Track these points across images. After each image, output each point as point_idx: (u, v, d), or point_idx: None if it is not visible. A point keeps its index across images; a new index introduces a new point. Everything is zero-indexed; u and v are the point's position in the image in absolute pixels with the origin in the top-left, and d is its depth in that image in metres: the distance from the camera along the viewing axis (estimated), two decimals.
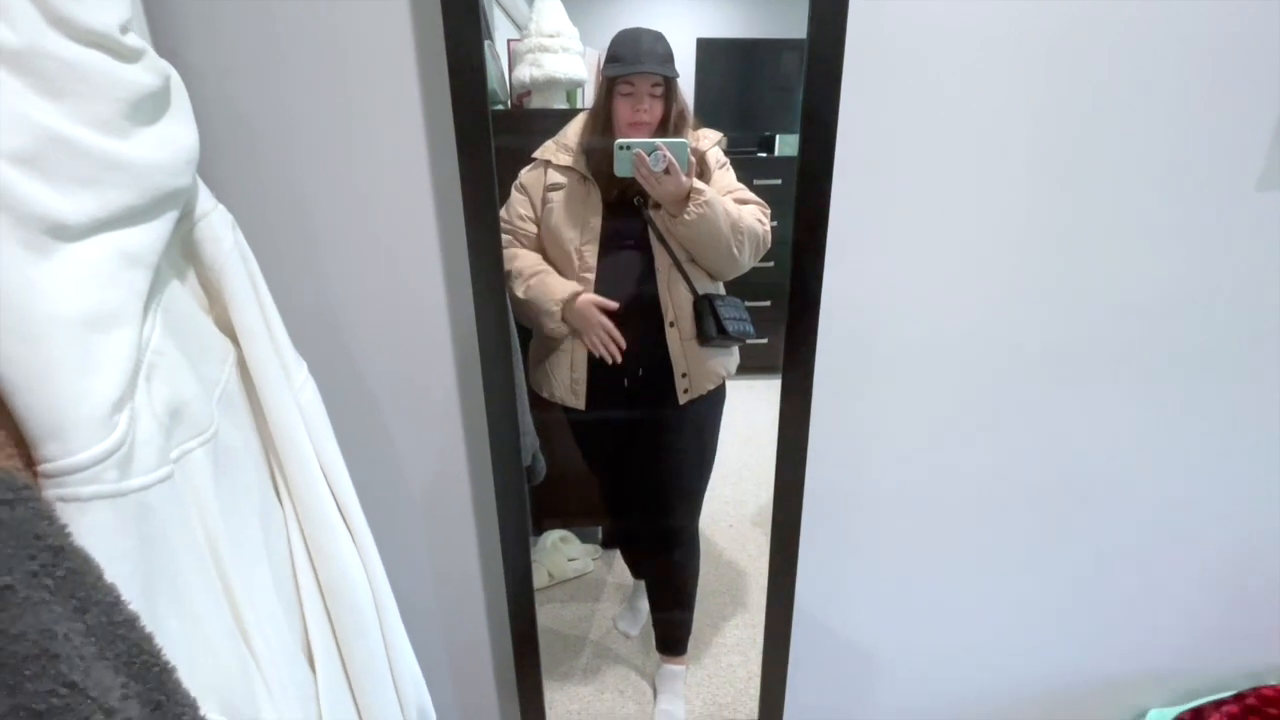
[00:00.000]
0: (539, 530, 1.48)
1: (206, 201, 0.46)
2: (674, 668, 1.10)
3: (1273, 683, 0.96)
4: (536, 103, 0.98)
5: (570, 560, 1.38)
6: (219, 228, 0.46)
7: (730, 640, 1.15)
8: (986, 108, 0.68)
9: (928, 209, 0.72)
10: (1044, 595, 0.91)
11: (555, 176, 0.85)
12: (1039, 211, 0.72)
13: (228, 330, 0.48)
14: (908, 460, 0.83)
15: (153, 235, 0.39)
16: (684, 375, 0.91)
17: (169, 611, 0.37)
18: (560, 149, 0.85)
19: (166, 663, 0.33)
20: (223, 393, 0.46)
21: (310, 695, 0.52)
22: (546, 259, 0.88)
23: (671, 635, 1.10)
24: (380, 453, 0.79)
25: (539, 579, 1.42)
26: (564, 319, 0.87)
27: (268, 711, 0.44)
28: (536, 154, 0.86)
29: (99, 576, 0.30)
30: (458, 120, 0.63)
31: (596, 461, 1.07)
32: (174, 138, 0.41)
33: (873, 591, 0.91)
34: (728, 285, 0.89)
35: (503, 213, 0.88)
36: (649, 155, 0.76)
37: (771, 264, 0.85)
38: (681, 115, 0.81)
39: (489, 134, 0.65)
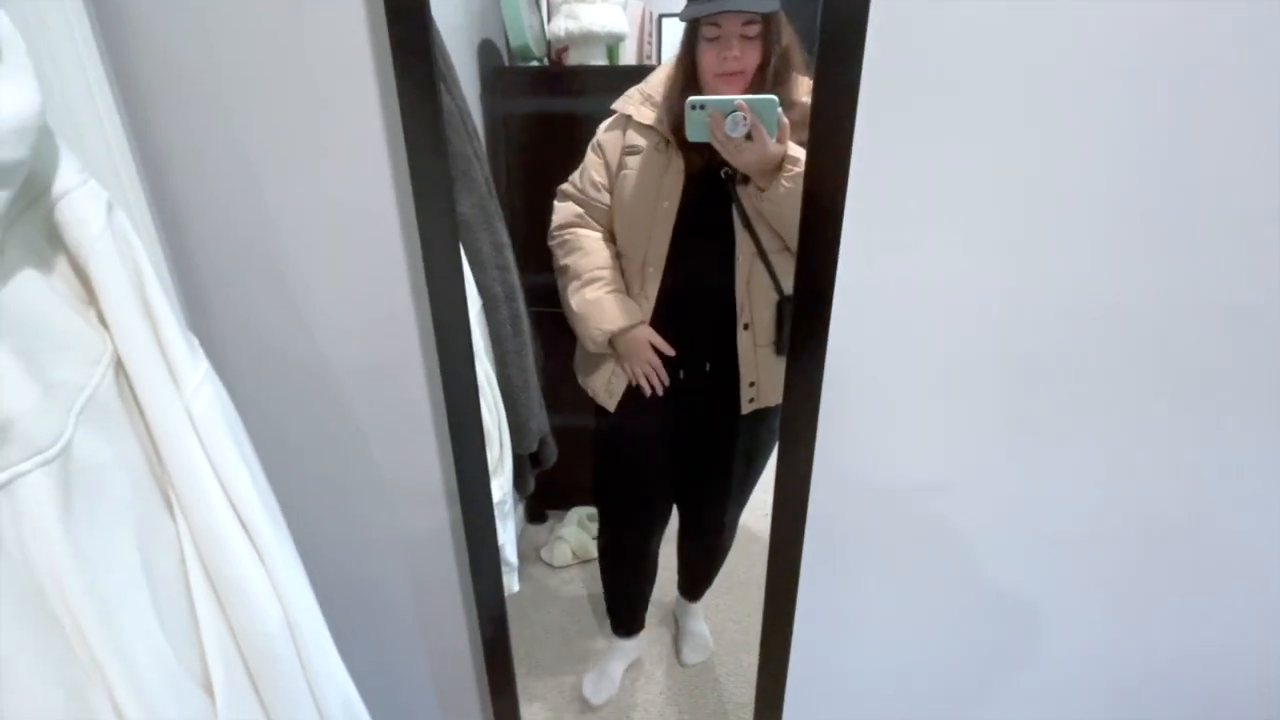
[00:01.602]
0: (567, 506, 1.45)
1: (69, 178, 0.40)
2: (694, 605, 1.12)
3: None
4: (574, 59, 0.87)
5: (594, 538, 1.33)
6: (84, 208, 0.40)
7: (754, 640, 1.10)
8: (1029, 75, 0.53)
9: (955, 198, 0.58)
10: (1071, 640, 0.79)
11: (634, 137, 0.73)
12: (1088, 208, 0.58)
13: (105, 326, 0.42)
14: (919, 490, 0.72)
15: None
16: (752, 384, 0.79)
17: None
18: (644, 101, 0.72)
19: None
20: (89, 400, 0.40)
21: None
22: (614, 242, 0.78)
23: (696, 590, 1.11)
24: (349, 448, 0.74)
25: (561, 557, 1.40)
26: (611, 344, 0.77)
27: None
28: (617, 104, 0.74)
29: None
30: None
31: (629, 464, 0.99)
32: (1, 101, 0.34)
33: (878, 626, 0.81)
34: None
35: (574, 179, 0.78)
36: (726, 117, 0.61)
37: None
38: (785, 60, 0.64)
39: (435, 87, 0.55)
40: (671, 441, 0.94)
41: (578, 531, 1.44)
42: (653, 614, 1.17)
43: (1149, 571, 0.74)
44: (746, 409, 0.81)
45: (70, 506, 0.38)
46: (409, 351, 0.68)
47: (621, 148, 0.74)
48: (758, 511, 1.07)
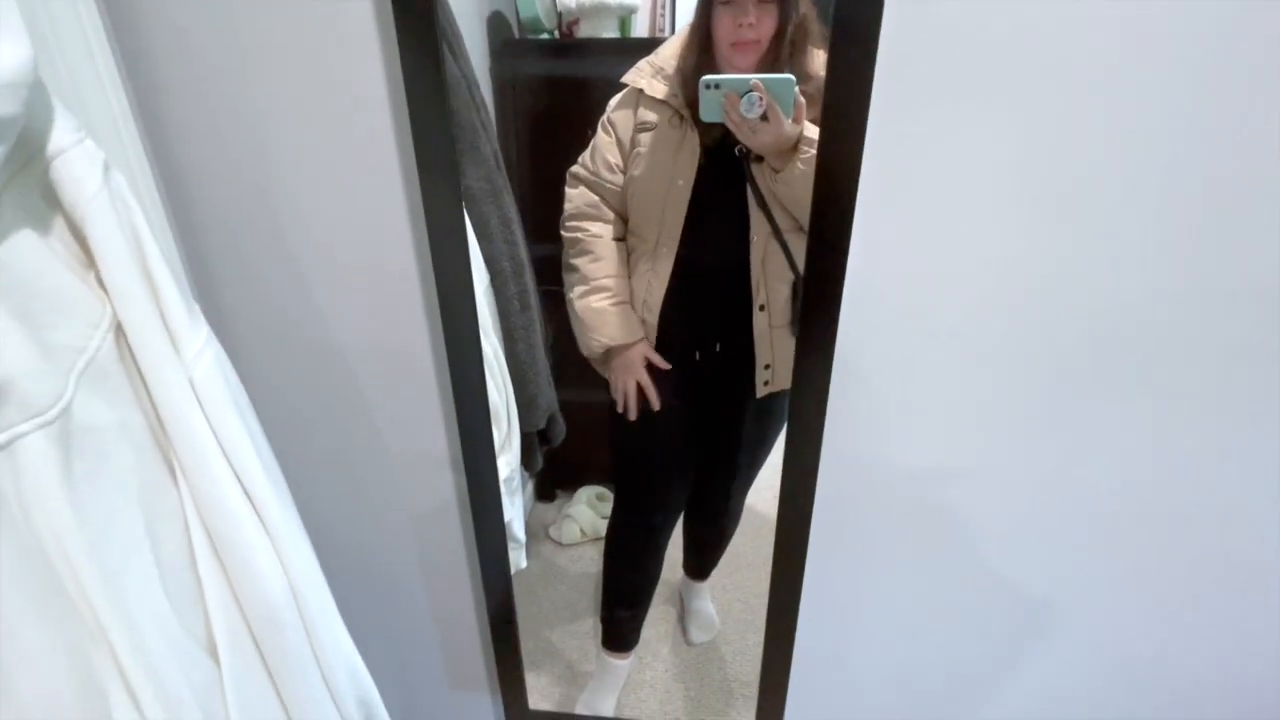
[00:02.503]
0: (576, 485, 1.45)
1: (64, 137, 0.39)
2: (701, 584, 1.11)
3: None
4: (585, 31, 0.85)
5: (604, 517, 1.33)
6: (79, 167, 0.39)
7: (760, 620, 1.10)
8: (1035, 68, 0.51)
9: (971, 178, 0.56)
10: (1084, 629, 0.78)
11: (647, 114, 0.70)
12: (1107, 190, 0.55)
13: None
14: (931, 473, 0.70)
15: None
16: (767, 367, 0.77)
17: None
18: (655, 74, 0.70)
19: None
20: (90, 364, 0.40)
21: (213, 691, 0.47)
22: (626, 222, 0.76)
23: (703, 570, 1.10)
24: (356, 422, 0.74)
25: (570, 535, 1.40)
26: (607, 360, 0.77)
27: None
28: (627, 78, 0.71)
29: None
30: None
31: (651, 440, 0.98)
32: None
33: (879, 616, 0.80)
34: None
35: (585, 160, 0.76)
36: (742, 97, 0.59)
37: None
38: (802, 30, 0.61)
39: (439, 65, 0.54)
40: (685, 423, 0.93)
41: (587, 510, 1.44)
42: (659, 594, 1.17)
43: (1162, 559, 0.72)
44: (761, 392, 0.79)
45: (71, 469, 0.38)
46: (415, 325, 0.68)
47: (634, 125, 0.72)
48: (765, 493, 1.06)
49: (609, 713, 1.07)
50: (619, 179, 0.74)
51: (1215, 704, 0.80)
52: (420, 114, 0.56)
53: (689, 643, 1.15)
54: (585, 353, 0.79)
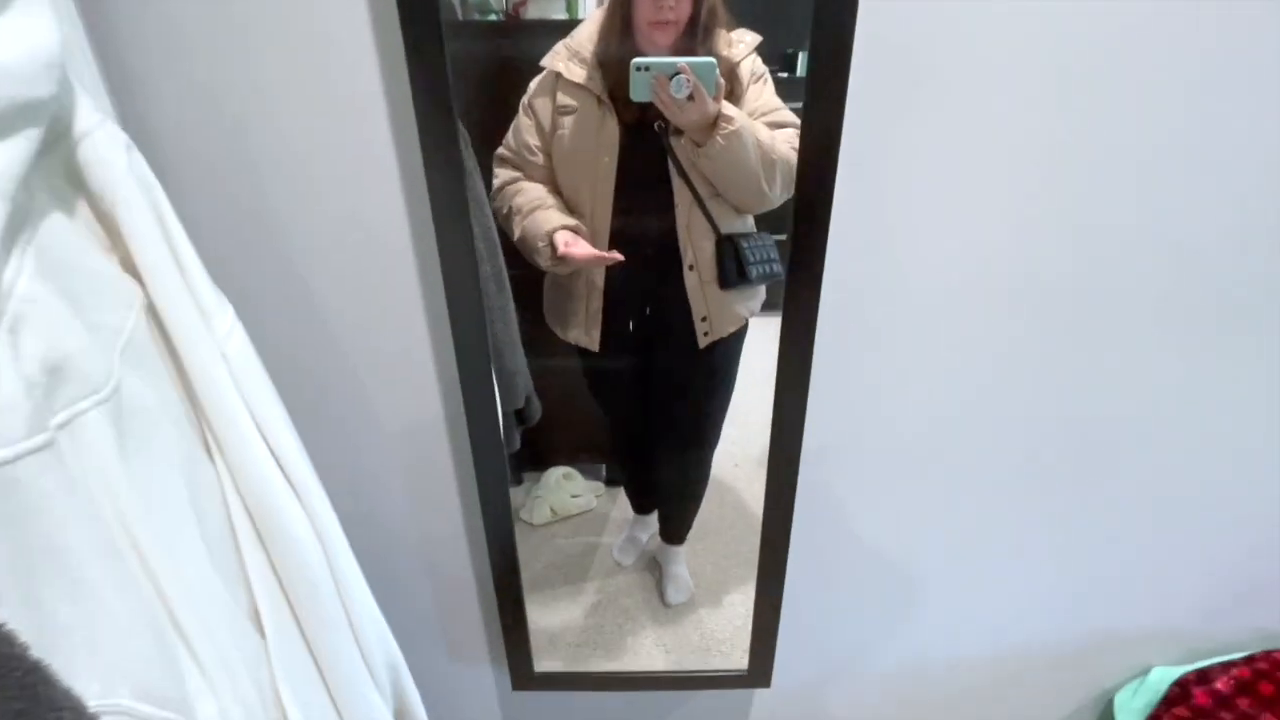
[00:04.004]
0: (543, 467, 1.47)
1: (88, 118, 0.39)
2: (677, 548, 1.16)
3: None
4: (533, 12, 0.87)
5: (574, 497, 1.36)
6: (106, 149, 0.39)
7: (731, 578, 1.16)
8: (1017, 30, 0.58)
9: (951, 133, 0.63)
10: (1047, 544, 0.87)
11: (565, 98, 0.74)
12: (1080, 135, 0.63)
13: (134, 273, 0.42)
14: (915, 402, 0.78)
15: (6, 159, 0.32)
16: (704, 319, 0.84)
17: (57, 598, 0.32)
18: (572, 58, 0.73)
19: (35, 662, 0.28)
20: (128, 343, 0.40)
21: (260, 661, 0.49)
22: (557, 193, 0.79)
23: (677, 534, 1.15)
24: (351, 403, 0.75)
25: (541, 515, 1.42)
26: (554, 252, 0.79)
27: (200, 690, 0.41)
28: (545, 61, 0.74)
29: None
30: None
31: (609, 404, 1.03)
32: (23, 35, 0.33)
33: (870, 540, 0.88)
34: (757, 220, 0.80)
35: (508, 141, 0.78)
36: (670, 79, 0.64)
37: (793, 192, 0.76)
38: (713, 14, 0.67)
39: (441, 47, 0.56)
40: (633, 379, 0.98)
41: (556, 490, 1.47)
42: (636, 562, 1.21)
43: (1147, 495, 0.83)
44: (703, 343, 0.85)
45: (125, 447, 0.39)
46: (409, 294, 0.69)
47: (554, 108, 0.75)
48: (727, 463, 1.13)
49: (641, 544, 1.15)
50: (541, 159, 0.78)
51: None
52: (421, 84, 0.58)
53: (667, 605, 1.21)
54: (544, 263, 0.80)
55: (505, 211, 0.81)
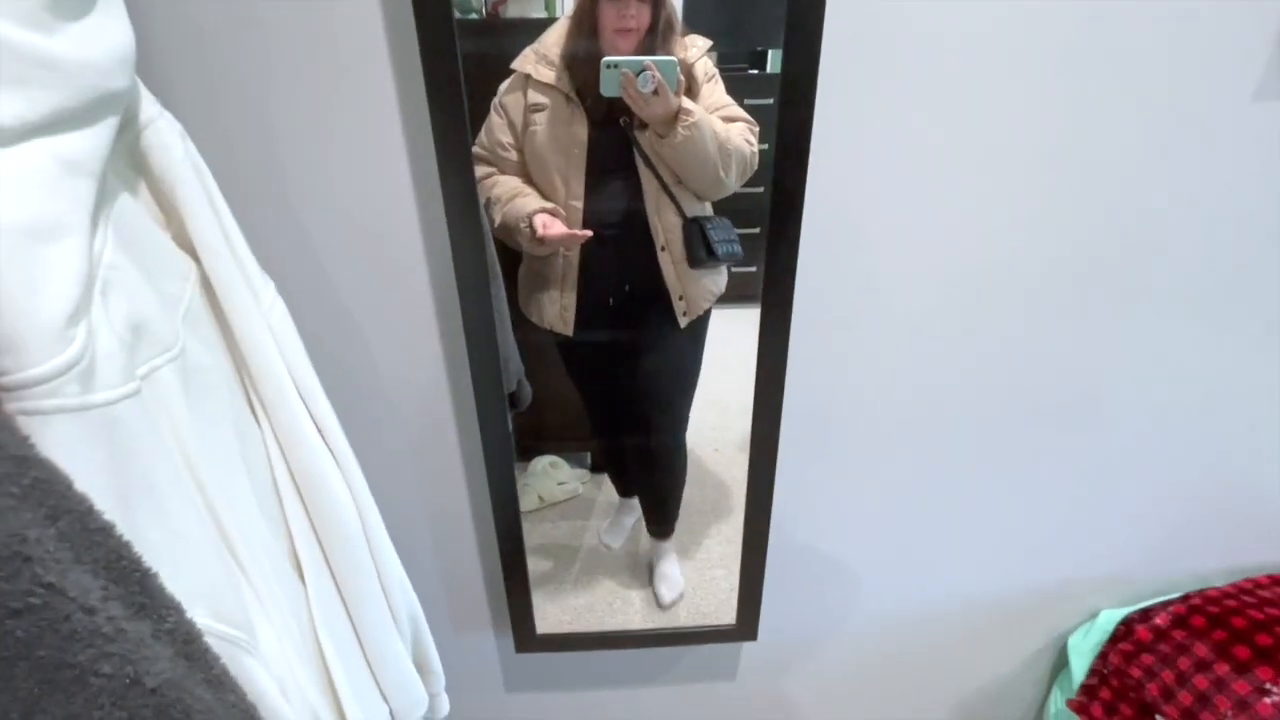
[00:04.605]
0: (528, 456, 1.51)
1: (150, 108, 0.44)
2: (666, 544, 1.19)
3: (1218, 584, 1.02)
4: (513, 11, 0.92)
5: (560, 484, 1.41)
6: (167, 135, 0.44)
7: (714, 556, 1.22)
8: (984, 17, 0.64)
9: (918, 123, 0.70)
10: (1006, 505, 0.96)
11: (536, 97, 0.81)
12: (1035, 126, 0.70)
13: (187, 249, 0.47)
14: (887, 381, 0.85)
15: (92, 142, 0.37)
16: (681, 298, 0.90)
17: (148, 523, 0.37)
18: (540, 61, 0.80)
19: (148, 569, 0.33)
20: (187, 310, 0.45)
21: (301, 605, 0.54)
22: (530, 185, 0.85)
23: (663, 527, 1.18)
24: (359, 378, 0.79)
25: (529, 502, 1.46)
26: (534, 234, 0.84)
27: (259, 618, 0.46)
28: (515, 64, 0.81)
29: (68, 486, 0.30)
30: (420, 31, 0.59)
31: (587, 385, 1.08)
32: (105, 34, 0.38)
33: (846, 504, 0.95)
34: (716, 207, 0.87)
35: (481, 138, 0.84)
36: (637, 75, 0.71)
37: (761, 189, 0.82)
38: (669, 22, 0.74)
39: (454, 43, 0.61)
40: (611, 359, 1.03)
41: (543, 478, 1.52)
42: (624, 544, 1.26)
43: (1095, 456, 0.91)
44: (683, 322, 0.91)
45: (190, 400, 0.43)
46: (418, 278, 0.74)
47: (525, 107, 0.81)
48: (707, 448, 1.19)
49: (627, 529, 1.18)
50: (513, 155, 0.83)
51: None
52: (434, 71, 0.62)
53: (661, 606, 1.26)
54: (527, 244, 0.84)
55: (485, 202, 0.86)
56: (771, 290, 0.77)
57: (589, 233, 0.84)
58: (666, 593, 1.19)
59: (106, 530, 0.32)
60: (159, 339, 0.41)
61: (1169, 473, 0.94)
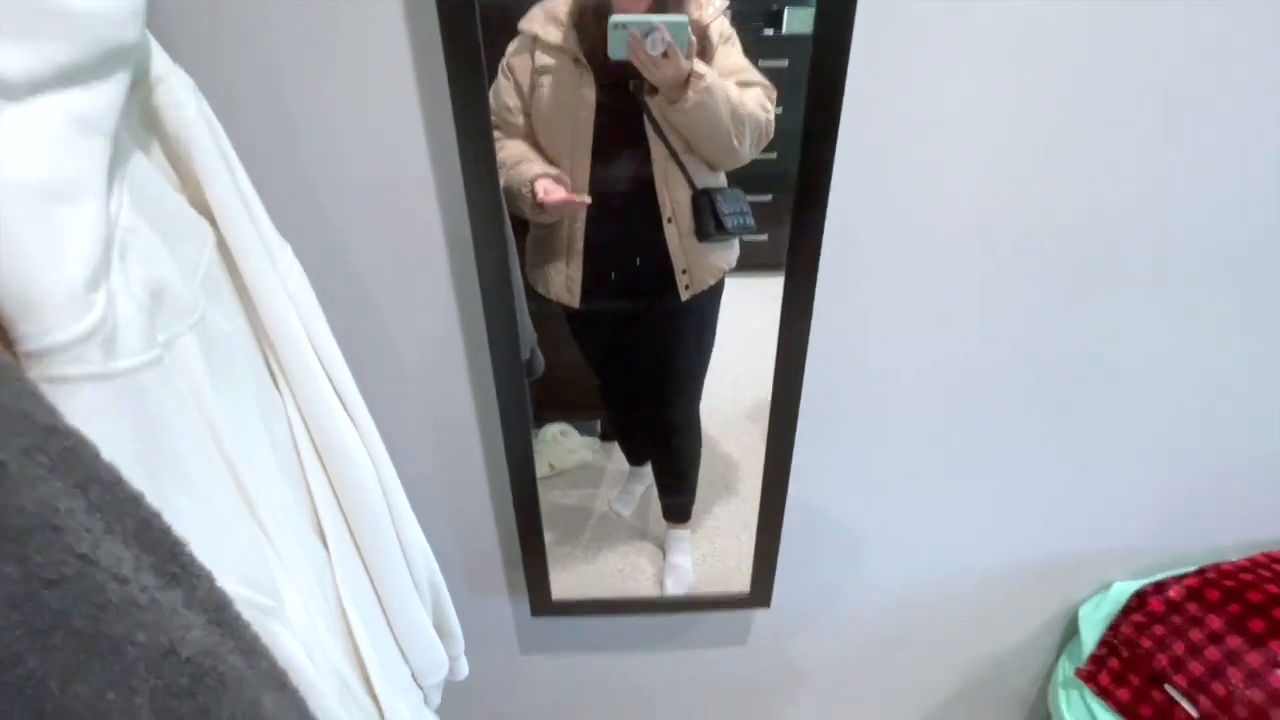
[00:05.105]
0: (539, 424, 1.52)
1: (162, 64, 0.42)
2: (680, 532, 1.17)
3: (1233, 559, 1.02)
4: None
5: (570, 452, 1.42)
6: (180, 93, 0.42)
7: (724, 525, 1.22)
8: None
9: (953, 93, 0.67)
10: (1024, 477, 0.95)
11: (544, 59, 0.77)
12: (1069, 98, 0.67)
13: (203, 211, 0.46)
14: (907, 350, 0.84)
15: (105, 98, 0.35)
16: (684, 272, 0.88)
17: (176, 491, 0.37)
18: (549, 21, 0.76)
19: (178, 538, 0.33)
20: (205, 276, 0.44)
21: (325, 571, 0.54)
22: (537, 149, 0.82)
23: (677, 507, 1.16)
24: (374, 343, 0.79)
25: (540, 469, 1.47)
26: (535, 199, 0.82)
27: (285, 584, 0.46)
28: (522, 24, 0.77)
29: (96, 455, 0.30)
30: None
31: (595, 358, 1.07)
32: None
33: (863, 475, 0.95)
34: (728, 176, 0.83)
35: (489, 100, 0.82)
36: (645, 37, 0.68)
37: (774, 155, 0.78)
38: None
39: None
40: (623, 332, 1.01)
41: (553, 446, 1.53)
42: (634, 513, 1.27)
43: (1110, 427, 0.90)
44: (685, 296, 0.89)
45: (212, 367, 0.43)
46: (431, 246, 0.73)
47: (532, 69, 0.78)
48: (718, 419, 1.18)
49: (636, 497, 1.17)
50: (520, 119, 0.81)
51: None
52: (452, 28, 0.60)
53: (663, 593, 1.26)
54: (530, 212, 0.82)
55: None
56: (796, 257, 0.75)
57: (588, 199, 0.81)
58: (674, 585, 1.18)
59: (136, 500, 0.31)
60: (179, 305, 0.40)
61: (1186, 444, 0.93)
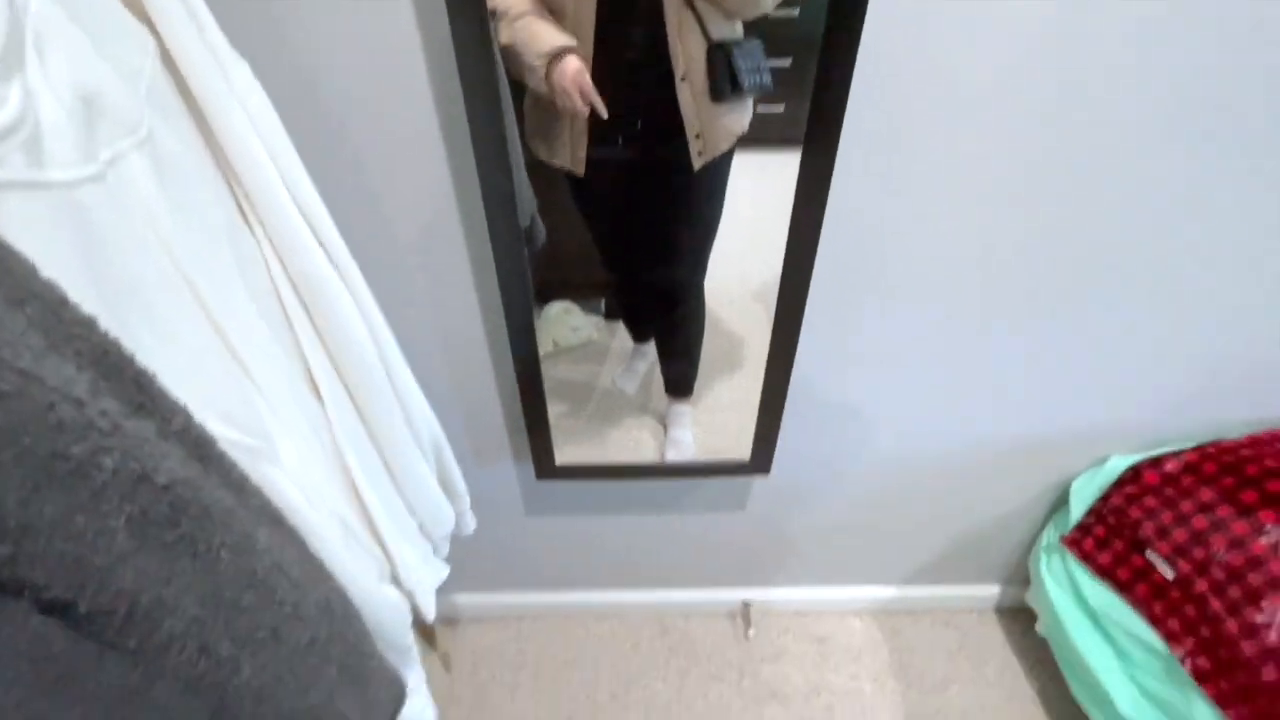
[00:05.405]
0: (542, 302, 1.49)
1: None
2: (682, 406, 1.19)
3: (1234, 437, 1.01)
4: None
5: (574, 329, 1.40)
6: None
7: (725, 400, 1.23)
8: None
9: None
10: (1026, 354, 0.93)
11: None
12: None
13: (142, 20, 0.39)
14: (923, 227, 0.79)
15: None
16: (698, 136, 0.81)
17: (138, 322, 0.34)
18: None
19: (142, 368, 0.31)
20: (150, 88, 0.39)
21: (320, 423, 0.53)
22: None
23: (680, 380, 1.17)
24: (365, 208, 0.74)
25: (544, 346, 1.46)
26: (547, 77, 0.74)
27: (277, 431, 0.45)
28: None
29: (32, 270, 0.27)
30: None
31: (598, 228, 1.02)
32: None
33: (869, 351, 0.93)
34: (746, 28, 0.74)
35: None
36: None
37: (796, 12, 0.69)
38: None
39: None
40: (630, 200, 0.97)
41: (556, 323, 1.51)
42: (638, 391, 1.27)
43: (1111, 301, 0.86)
44: (698, 163, 0.84)
45: (168, 193, 0.38)
46: (419, 100, 0.66)
47: None
48: (723, 298, 1.14)
49: (640, 375, 1.19)
50: None
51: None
52: None
53: (663, 460, 1.28)
54: (531, 80, 0.77)
55: (489, 12, 0.75)
56: (816, 124, 0.68)
57: (603, 110, 0.75)
58: (674, 458, 1.20)
59: (88, 324, 0.28)
60: (120, 118, 0.35)
61: (1187, 320, 0.90)
